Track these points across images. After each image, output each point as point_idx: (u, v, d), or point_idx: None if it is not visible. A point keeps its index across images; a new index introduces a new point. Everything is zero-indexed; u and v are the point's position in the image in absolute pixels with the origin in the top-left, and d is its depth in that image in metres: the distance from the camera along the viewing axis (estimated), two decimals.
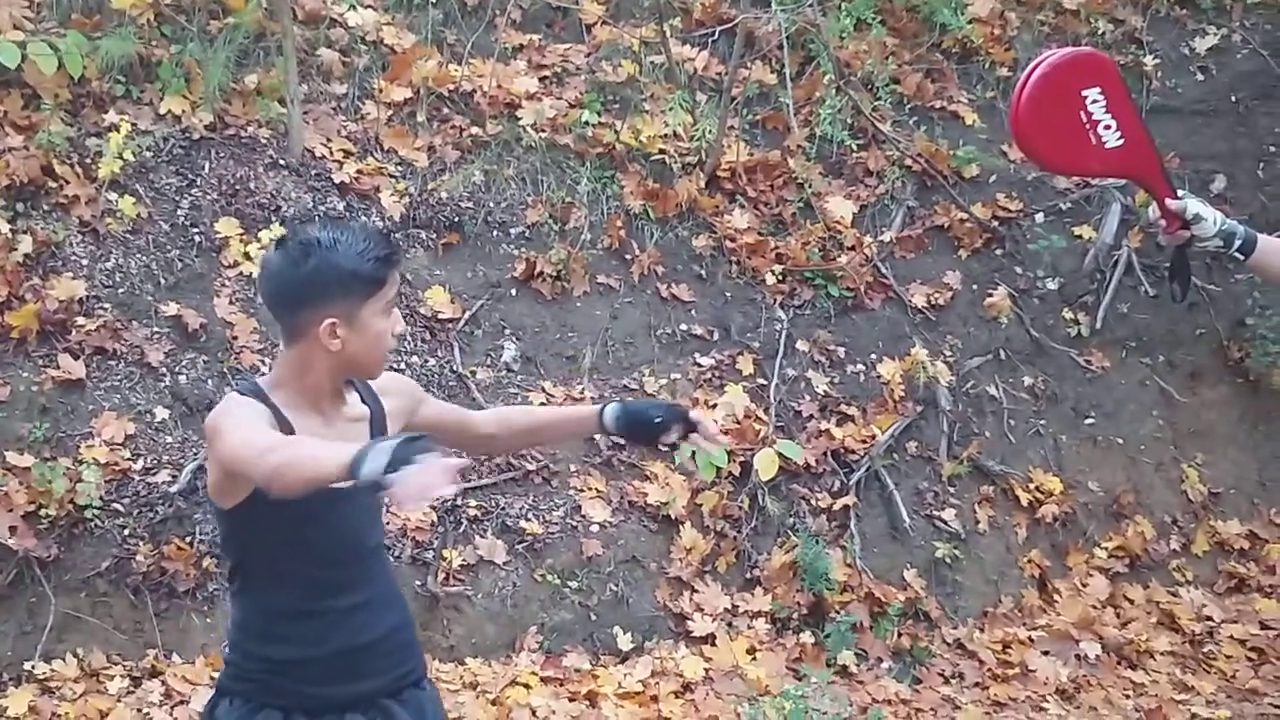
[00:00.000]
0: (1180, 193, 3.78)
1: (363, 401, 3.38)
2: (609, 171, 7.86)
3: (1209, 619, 7.61)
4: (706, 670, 6.57)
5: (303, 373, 3.25)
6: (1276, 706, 6.85)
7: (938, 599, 7.29)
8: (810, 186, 8.09)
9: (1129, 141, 3.72)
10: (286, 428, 3.16)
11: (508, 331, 7.34)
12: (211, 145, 7.24)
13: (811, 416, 7.50)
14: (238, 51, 7.44)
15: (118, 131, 6.83)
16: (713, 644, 6.73)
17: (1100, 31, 8.91)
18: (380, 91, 7.72)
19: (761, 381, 7.56)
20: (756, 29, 8.34)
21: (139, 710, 5.80)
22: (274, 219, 7.10)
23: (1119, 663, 7.19)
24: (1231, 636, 7.48)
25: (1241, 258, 3.82)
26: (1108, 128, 3.70)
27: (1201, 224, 3.74)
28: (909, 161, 8.32)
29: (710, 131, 7.97)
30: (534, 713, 6.09)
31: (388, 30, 7.93)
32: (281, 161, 7.29)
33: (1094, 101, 3.69)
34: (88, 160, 6.91)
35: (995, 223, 8.33)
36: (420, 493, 2.58)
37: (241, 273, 6.95)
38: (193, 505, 6.31)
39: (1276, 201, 8.76)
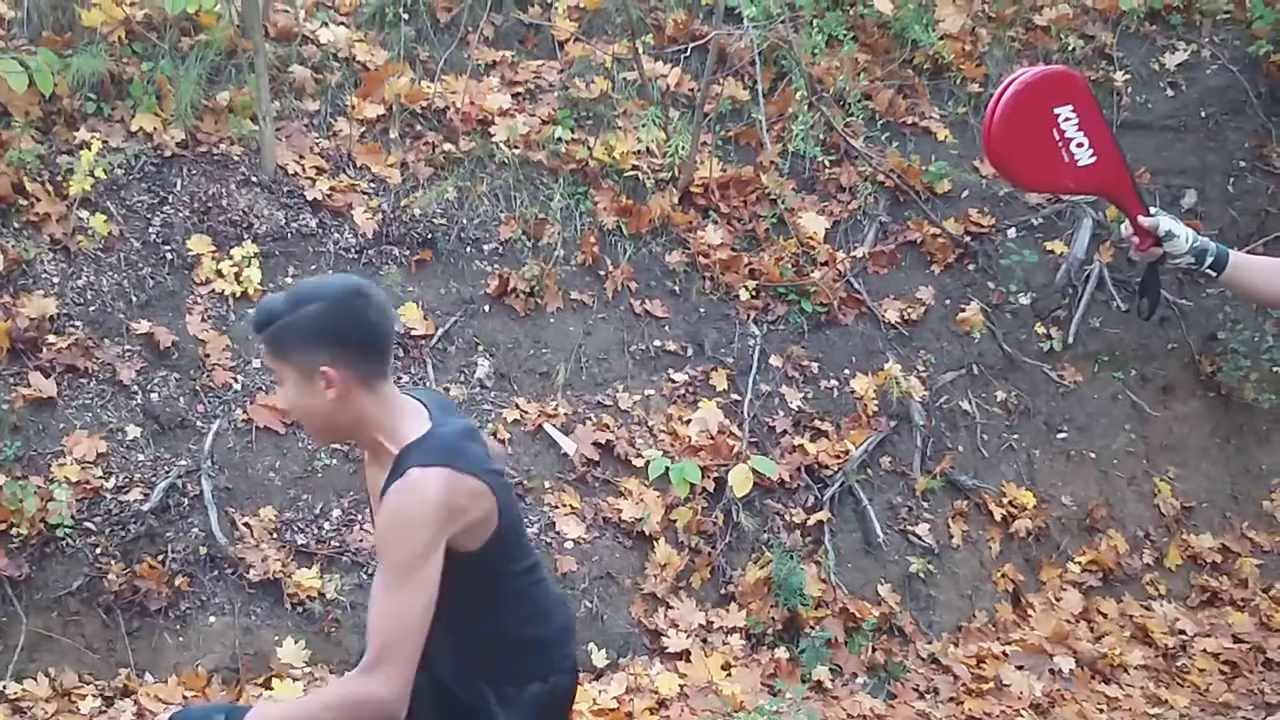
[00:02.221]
0: (1153, 210, 3.80)
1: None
2: (582, 188, 7.87)
3: (1182, 633, 7.63)
4: (681, 686, 6.56)
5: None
6: None
7: (912, 614, 7.29)
8: (783, 202, 8.10)
9: (1101, 159, 3.74)
10: None
11: (481, 348, 7.33)
12: (183, 162, 7.22)
13: (785, 432, 7.51)
14: (209, 69, 7.43)
15: (89, 149, 6.81)
16: (687, 660, 6.73)
17: (1071, 48, 8.95)
18: (353, 108, 7.71)
19: (735, 397, 7.57)
20: (729, 45, 8.36)
21: None
22: (246, 236, 7.09)
23: (1092, 677, 7.20)
24: (1204, 650, 7.51)
25: (1213, 274, 3.85)
26: (1080, 145, 3.72)
27: (1174, 241, 3.76)
28: (881, 177, 8.34)
29: (683, 147, 7.98)
30: None
31: (360, 47, 7.93)
32: (254, 179, 7.28)
33: (1066, 119, 3.70)
34: (58, 178, 6.89)
35: (968, 238, 8.36)
36: None
37: (214, 290, 6.93)
38: (164, 523, 6.29)
39: (1246, 216, 8.81)
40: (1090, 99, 3.73)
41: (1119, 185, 3.83)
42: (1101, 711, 6.92)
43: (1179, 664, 7.42)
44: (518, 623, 3.46)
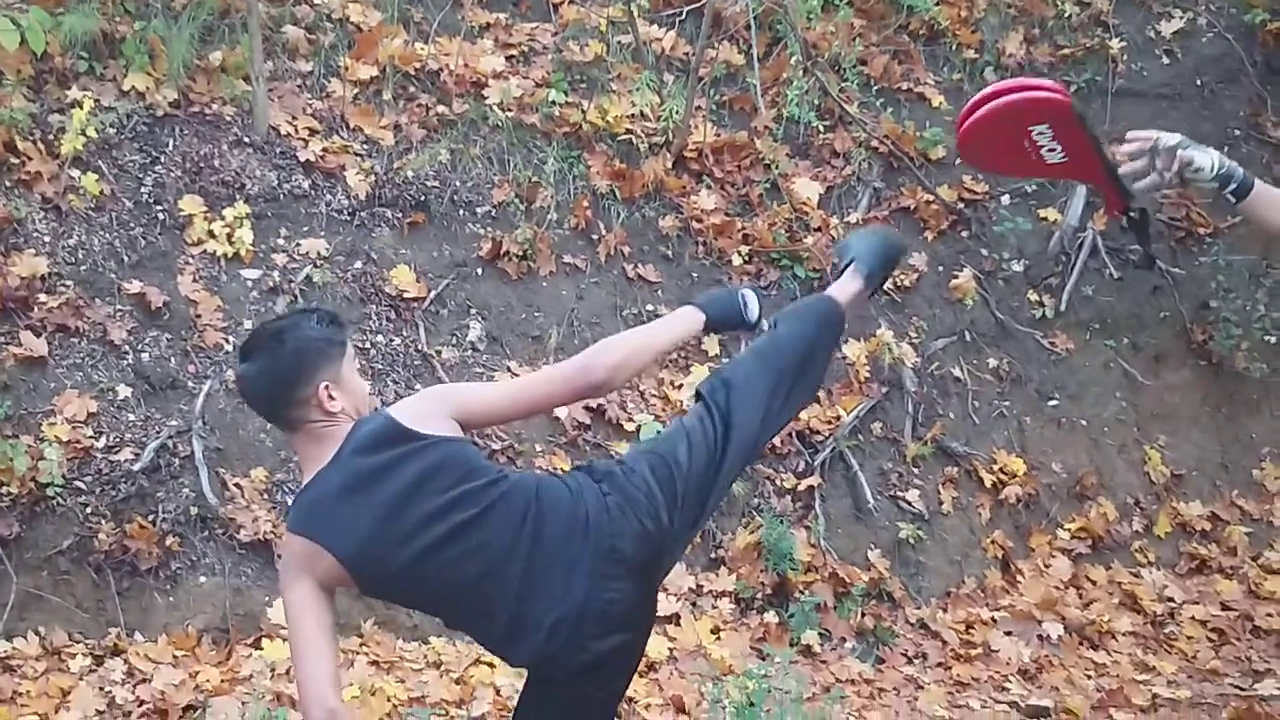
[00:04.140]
0: (1173, 139, 3.75)
1: None
2: (575, 151, 7.85)
3: (1170, 600, 7.65)
4: (671, 650, 6.57)
5: (320, 447, 3.43)
6: (1237, 687, 6.90)
7: (901, 579, 7.31)
8: (777, 168, 8.09)
9: (1073, 159, 3.75)
10: None
11: (473, 311, 7.33)
12: (175, 122, 7.20)
13: None
14: (202, 28, 7.39)
15: (81, 108, 6.79)
16: (677, 624, 6.74)
17: (1066, 14, 8.94)
18: (346, 70, 7.69)
19: (727, 362, 7.56)
20: (724, 9, 8.34)
21: (101, 689, 5.77)
22: (238, 197, 7.07)
23: (1081, 643, 7.22)
24: (1193, 617, 7.53)
25: (1234, 200, 3.83)
26: (1051, 150, 3.74)
27: (1198, 172, 3.74)
28: (875, 143, 8.33)
29: (677, 112, 7.96)
30: (498, 691, 6.09)
31: (354, 8, 7.89)
32: (246, 139, 7.26)
33: (1040, 134, 3.71)
34: (50, 137, 6.86)
35: (961, 205, 8.35)
36: None
37: (205, 251, 6.92)
38: (155, 483, 6.29)
39: None
40: (1071, 120, 3.69)
41: (1090, 178, 3.87)
42: (1089, 678, 6.95)
43: (1167, 631, 7.44)
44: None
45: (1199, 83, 9.01)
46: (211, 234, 6.95)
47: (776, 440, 7.27)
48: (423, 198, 7.46)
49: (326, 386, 3.41)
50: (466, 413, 3.50)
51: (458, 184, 7.57)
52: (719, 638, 6.70)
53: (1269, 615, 7.57)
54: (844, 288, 4.04)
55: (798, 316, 3.94)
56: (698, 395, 3.75)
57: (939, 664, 6.93)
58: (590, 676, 3.41)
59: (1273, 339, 8.35)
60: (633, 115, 7.99)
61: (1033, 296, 8.29)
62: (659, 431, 6.99)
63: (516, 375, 7.09)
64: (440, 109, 7.73)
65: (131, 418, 6.44)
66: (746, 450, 3.69)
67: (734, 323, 3.82)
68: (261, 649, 6.05)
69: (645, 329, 3.78)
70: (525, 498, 3.41)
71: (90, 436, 6.28)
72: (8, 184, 6.72)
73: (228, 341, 6.72)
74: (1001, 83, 3.79)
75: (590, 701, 3.50)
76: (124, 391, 6.47)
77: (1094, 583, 7.70)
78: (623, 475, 3.51)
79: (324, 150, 7.38)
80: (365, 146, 7.52)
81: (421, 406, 3.48)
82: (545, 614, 3.33)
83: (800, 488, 7.29)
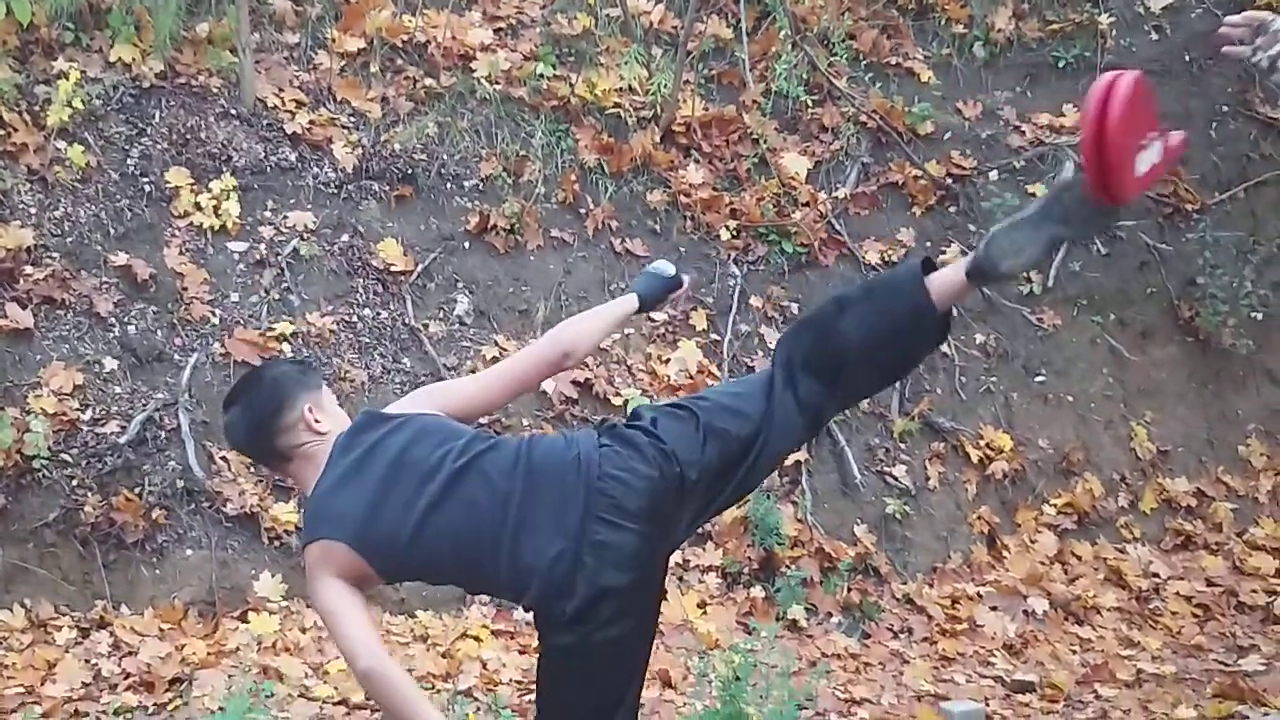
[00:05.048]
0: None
1: None
2: (563, 125, 7.83)
3: (1155, 576, 7.67)
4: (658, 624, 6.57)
5: (314, 465, 3.47)
6: (1221, 662, 6.92)
7: (887, 555, 7.32)
8: (765, 142, 8.08)
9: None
10: None
11: (460, 285, 7.32)
12: (162, 94, 7.17)
13: None
14: None
15: (67, 79, 6.77)
16: (664, 598, 6.73)
17: None
18: (333, 41, 7.66)
19: (715, 337, 7.57)
20: None
21: (87, 661, 5.78)
22: (225, 169, 7.04)
23: (1066, 618, 7.24)
24: (1177, 593, 7.55)
25: None
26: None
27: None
28: (864, 118, 8.32)
29: (665, 86, 7.94)
30: (484, 665, 6.10)
31: None
32: (233, 111, 7.23)
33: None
34: (36, 108, 6.84)
35: (949, 180, 8.35)
36: None
37: (192, 223, 6.90)
38: (141, 456, 6.28)
39: (1228, 162, 8.81)
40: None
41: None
42: (1074, 653, 6.97)
43: (1152, 606, 7.46)
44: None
45: (1188, 58, 9.00)
46: (198, 206, 6.92)
47: None
48: (410, 171, 7.44)
49: (310, 409, 3.50)
50: (448, 405, 3.55)
51: (445, 157, 7.56)
52: (705, 612, 6.71)
53: (1253, 591, 7.59)
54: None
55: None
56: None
57: (924, 639, 6.95)
58: (595, 620, 3.30)
59: (1259, 315, 8.35)
60: (621, 89, 7.97)
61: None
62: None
63: (504, 349, 7.09)
64: (428, 82, 7.71)
65: (118, 390, 6.42)
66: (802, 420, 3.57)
67: (660, 289, 3.86)
68: (248, 622, 6.05)
69: (593, 310, 3.83)
70: (516, 446, 3.43)
71: (76, 409, 6.27)
72: None
73: (214, 314, 6.70)
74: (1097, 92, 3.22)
75: (606, 656, 3.38)
76: (110, 364, 6.46)
77: (1079, 558, 7.71)
78: (625, 426, 3.49)
79: (311, 123, 7.36)
80: (352, 119, 7.50)
81: (401, 403, 3.59)
82: (546, 548, 3.29)
83: (787, 463, 7.28)
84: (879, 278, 3.67)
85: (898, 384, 7.69)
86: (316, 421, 3.50)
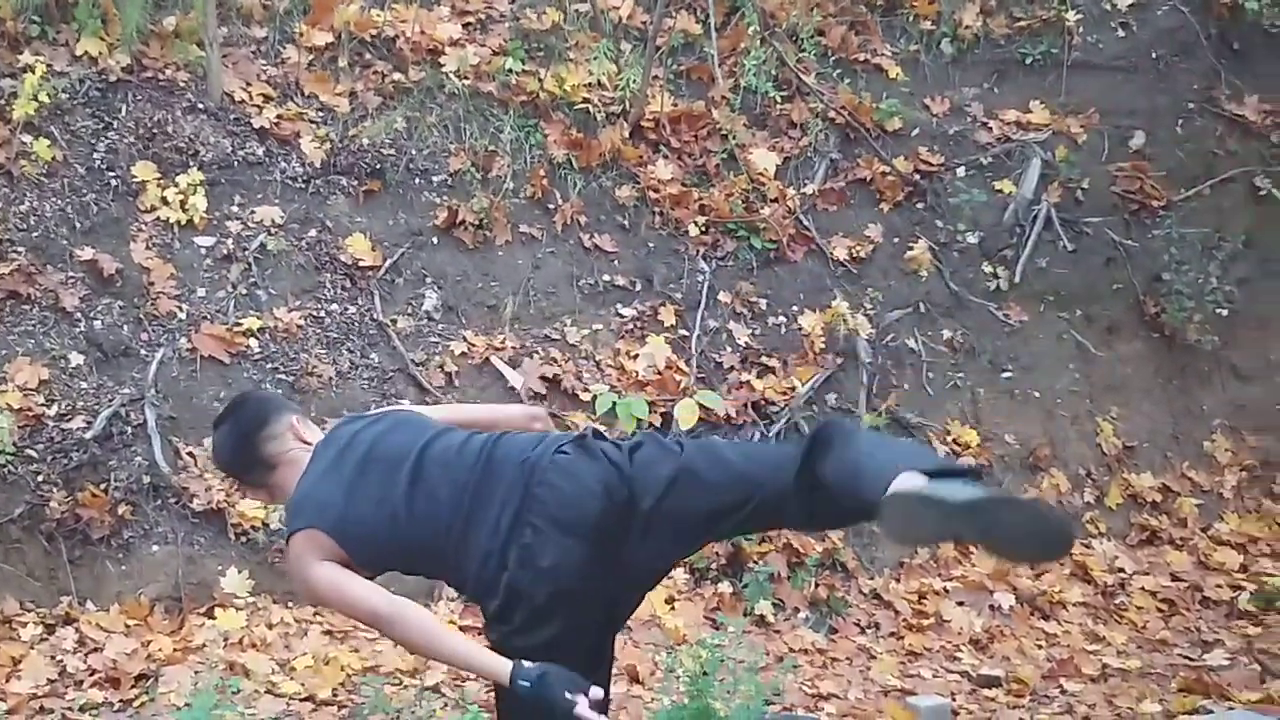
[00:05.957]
0: None
1: None
2: (532, 120, 7.83)
3: (1121, 571, 7.71)
4: None
5: (300, 467, 3.55)
6: (1186, 657, 6.96)
7: (854, 550, 7.34)
8: (734, 138, 8.09)
9: None
10: None
11: (429, 280, 7.30)
12: (129, 88, 7.14)
13: (732, 368, 7.53)
14: None
15: (33, 73, 6.73)
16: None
17: None
18: (301, 36, 7.64)
19: (683, 332, 7.58)
20: None
21: (52, 658, 5.75)
22: (192, 164, 7.02)
23: (1032, 613, 7.27)
24: (1143, 588, 7.60)
25: None
26: None
27: None
28: (832, 114, 8.34)
29: (634, 81, 7.94)
30: None
31: None
32: (200, 105, 7.21)
33: None
34: (1, 102, 6.79)
35: (917, 176, 8.37)
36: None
37: (159, 218, 6.87)
38: (108, 452, 6.25)
39: (1195, 158, 8.86)
40: None
41: None
42: (1040, 648, 7.00)
43: (1117, 601, 7.51)
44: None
45: (1154, 55, 9.05)
46: (165, 201, 6.90)
47: (732, 410, 7.28)
48: (378, 166, 7.42)
49: (297, 421, 3.67)
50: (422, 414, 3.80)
51: (414, 152, 7.54)
52: (673, 608, 6.72)
53: (1218, 586, 7.65)
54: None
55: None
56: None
57: (891, 634, 6.97)
58: (510, 623, 3.32)
59: (1224, 311, 8.40)
60: (590, 84, 7.97)
61: (987, 268, 8.32)
62: (615, 403, 6.97)
63: (472, 344, 7.09)
64: (396, 76, 7.69)
65: (84, 385, 6.40)
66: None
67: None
68: (214, 618, 6.03)
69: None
70: (484, 440, 3.46)
71: (42, 404, 6.24)
72: None
73: (181, 310, 6.68)
74: None
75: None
76: (76, 359, 6.43)
77: None
78: (606, 440, 3.45)
79: (279, 117, 7.34)
80: (320, 114, 7.48)
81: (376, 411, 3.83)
82: (484, 544, 3.31)
83: None
84: (890, 453, 3.07)
85: (865, 380, 7.71)
86: (302, 432, 3.65)
